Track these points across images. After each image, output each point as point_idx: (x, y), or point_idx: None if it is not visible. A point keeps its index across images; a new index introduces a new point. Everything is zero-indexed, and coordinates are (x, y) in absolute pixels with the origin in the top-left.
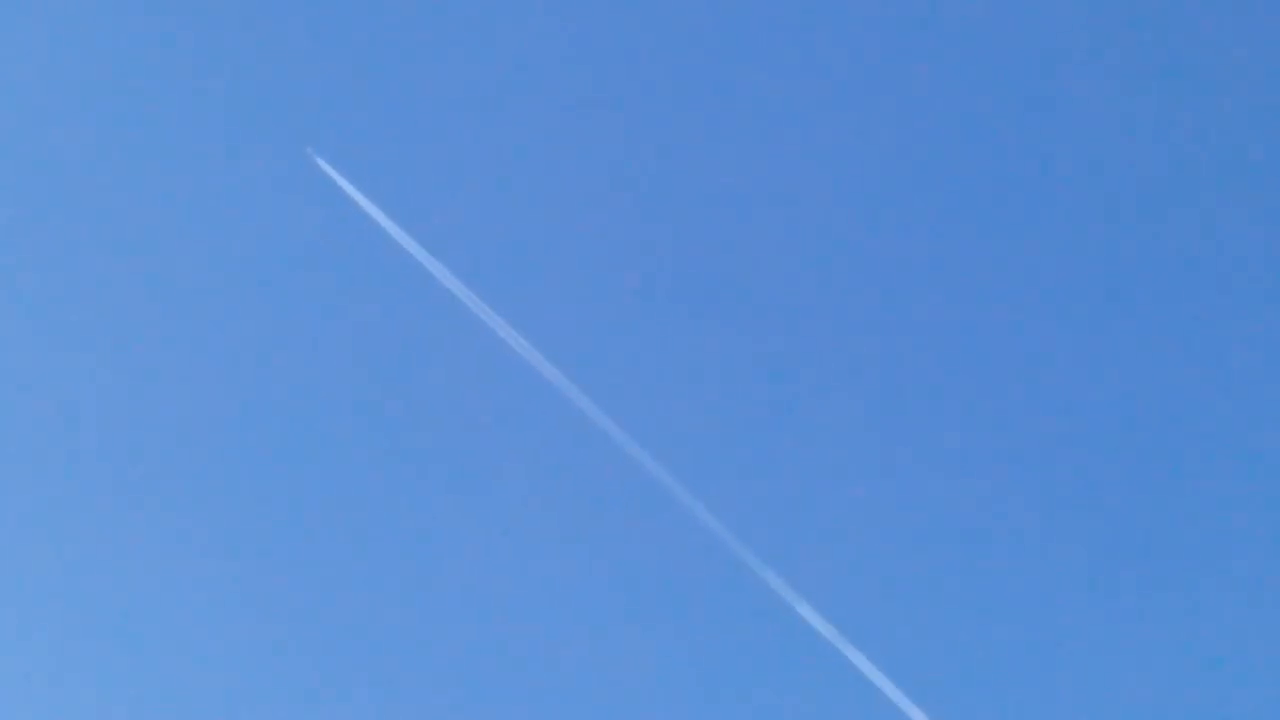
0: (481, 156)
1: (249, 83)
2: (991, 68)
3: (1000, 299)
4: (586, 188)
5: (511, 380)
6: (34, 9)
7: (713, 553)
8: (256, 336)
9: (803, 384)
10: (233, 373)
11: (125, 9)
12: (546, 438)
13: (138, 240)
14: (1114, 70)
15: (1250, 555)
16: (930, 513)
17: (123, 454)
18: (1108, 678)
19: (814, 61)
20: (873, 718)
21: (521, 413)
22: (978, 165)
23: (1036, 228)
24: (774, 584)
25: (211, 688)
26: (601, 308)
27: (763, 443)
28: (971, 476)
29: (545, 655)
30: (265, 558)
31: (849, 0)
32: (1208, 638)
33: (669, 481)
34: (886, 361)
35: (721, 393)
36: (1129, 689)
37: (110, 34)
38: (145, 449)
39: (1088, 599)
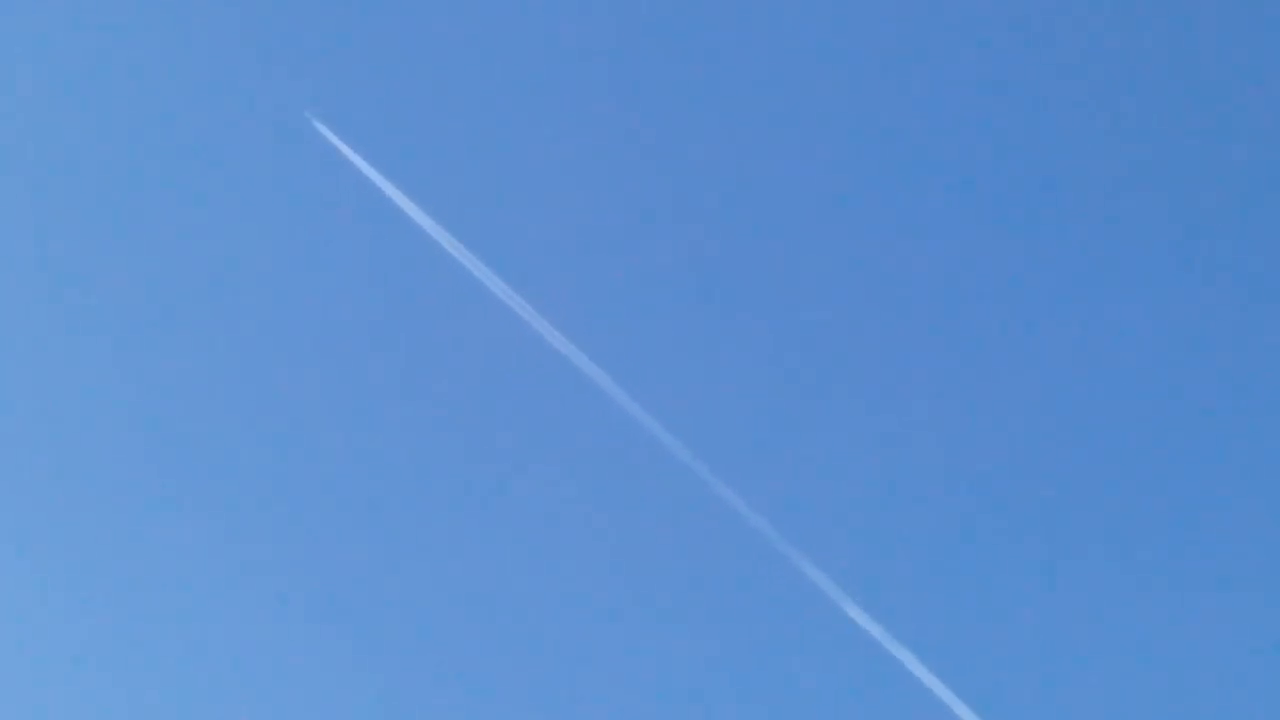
0: (493, 122)
1: (246, 47)
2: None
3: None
4: (605, 156)
5: (523, 355)
6: None
7: (752, 548)
8: (259, 308)
9: (845, 376)
10: (230, 345)
11: None
12: (562, 414)
13: (134, 213)
14: (1114, 70)
15: None
16: (970, 499)
17: (128, 447)
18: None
19: (858, 47)
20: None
21: (538, 391)
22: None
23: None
24: (815, 577)
25: (260, 689)
26: (611, 279)
27: (802, 435)
28: (1021, 471)
29: (573, 650)
30: (272, 553)
31: None
32: None
33: (700, 468)
34: (933, 351)
35: (758, 381)
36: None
37: (107, 5)
38: (147, 439)
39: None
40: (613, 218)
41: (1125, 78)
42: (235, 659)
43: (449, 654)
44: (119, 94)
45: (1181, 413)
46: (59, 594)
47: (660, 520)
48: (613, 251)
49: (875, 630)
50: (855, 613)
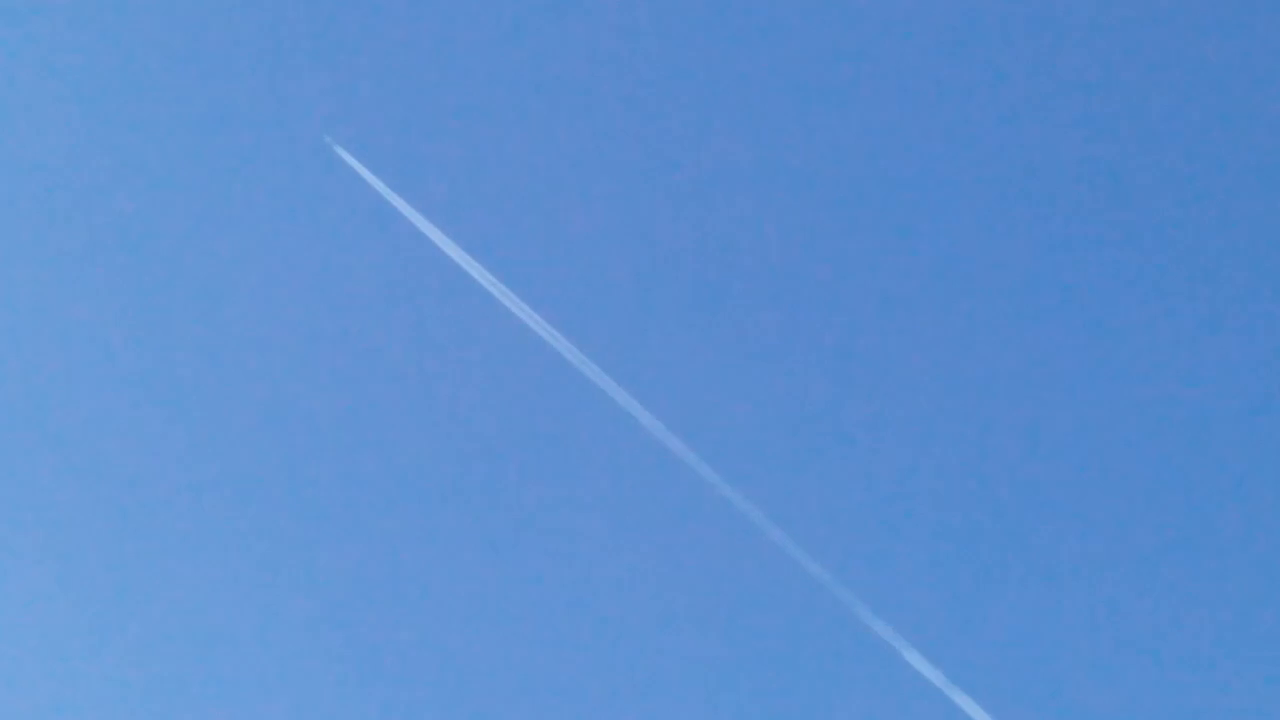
0: (507, 145)
1: (268, 73)
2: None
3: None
4: (611, 173)
5: (540, 370)
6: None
7: (761, 551)
8: (279, 326)
9: (855, 378)
10: (251, 363)
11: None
12: (574, 425)
13: (160, 235)
14: (1113, 70)
15: None
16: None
17: (144, 457)
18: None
19: (864, 48)
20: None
21: (554, 405)
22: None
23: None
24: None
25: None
26: (624, 295)
27: (811, 439)
28: (1029, 472)
29: (584, 652)
30: (281, 558)
31: None
32: None
33: (709, 474)
34: (941, 352)
35: (767, 384)
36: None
37: (131, 27)
38: (170, 450)
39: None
40: (629, 233)
41: (1126, 77)
42: (236, 663)
43: (453, 656)
44: (142, 122)
45: (1186, 411)
46: (59, 594)
47: (671, 524)
48: (629, 267)
49: (887, 633)
50: (867, 617)
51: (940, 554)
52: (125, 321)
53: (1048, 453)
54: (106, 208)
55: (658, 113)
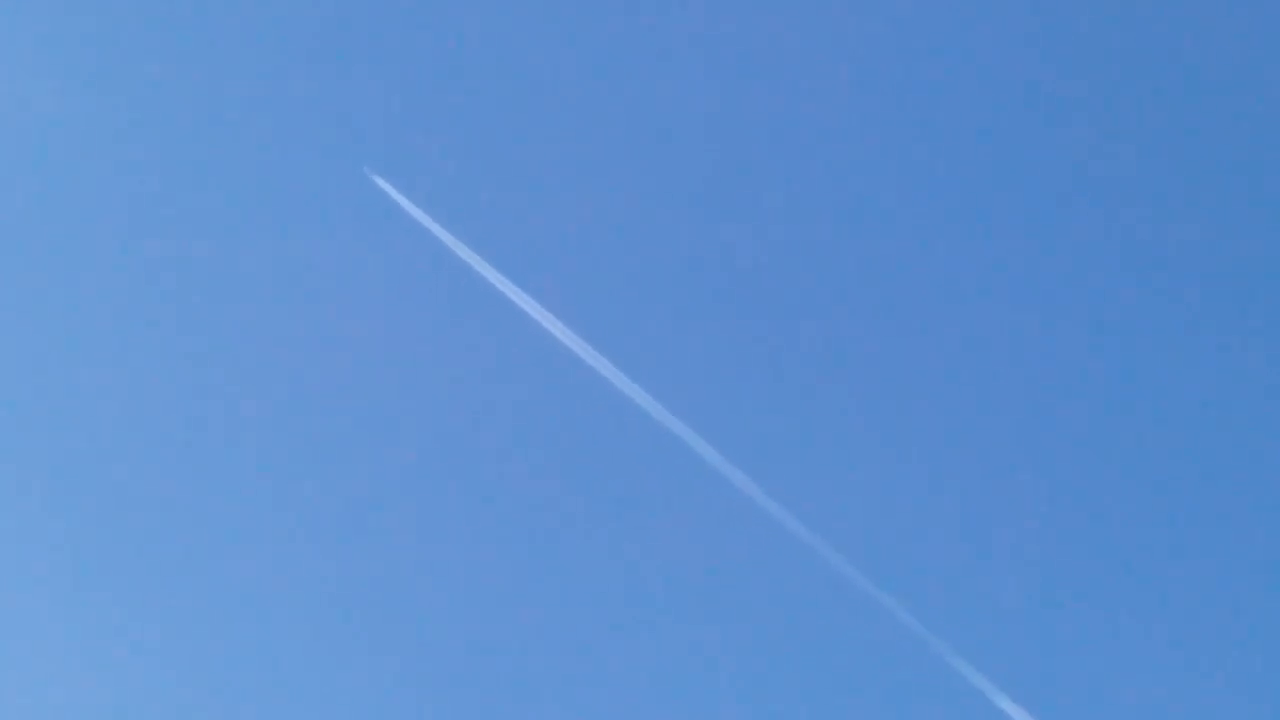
0: (543, 166)
1: (303, 105)
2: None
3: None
4: (633, 181)
5: (585, 392)
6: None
7: (778, 547)
8: (319, 357)
9: (868, 374)
10: (291, 388)
11: (178, 32)
12: (625, 452)
13: (197, 269)
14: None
15: None
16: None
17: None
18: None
19: (877, 50)
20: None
21: (598, 426)
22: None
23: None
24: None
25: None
26: (669, 314)
27: (824, 433)
28: (1046, 467)
29: (591, 651)
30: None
31: None
32: None
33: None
34: (955, 348)
35: (780, 380)
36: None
37: (162, 57)
38: (197, 478)
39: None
40: (655, 233)
41: (1124, 78)
42: (238, 670)
43: (458, 659)
44: (178, 151)
45: (1191, 410)
46: (58, 594)
47: (682, 520)
48: (654, 274)
49: (914, 626)
50: (894, 608)
51: (962, 547)
52: (158, 351)
53: (1091, 451)
54: (141, 242)
55: (699, 125)
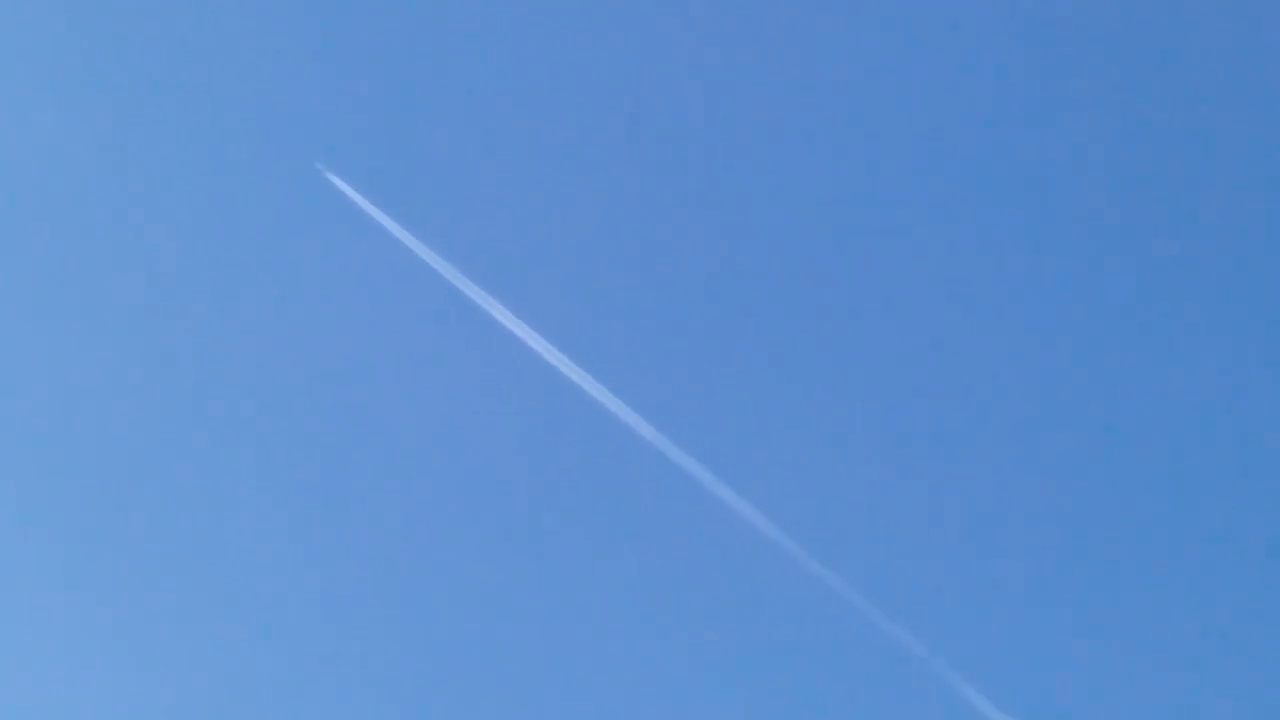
0: (500, 163)
1: (254, 98)
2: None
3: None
4: (603, 185)
5: (538, 385)
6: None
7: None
8: (273, 353)
9: (851, 379)
10: (248, 388)
11: (132, 22)
12: (571, 440)
13: (149, 263)
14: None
15: None
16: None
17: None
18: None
19: (857, 50)
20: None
21: (551, 419)
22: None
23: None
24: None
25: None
26: (624, 308)
27: (808, 439)
28: (1031, 471)
29: (583, 657)
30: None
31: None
32: None
33: (696, 470)
34: (937, 351)
35: (763, 387)
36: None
37: (116, 48)
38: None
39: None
40: (613, 230)
41: (1124, 78)
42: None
43: (440, 666)
44: (133, 148)
45: (1192, 411)
46: (59, 595)
47: (664, 527)
48: (610, 266)
49: (895, 629)
50: (875, 615)
51: (977, 566)
52: (113, 350)
53: (1085, 450)
54: (92, 237)
55: (663, 119)
